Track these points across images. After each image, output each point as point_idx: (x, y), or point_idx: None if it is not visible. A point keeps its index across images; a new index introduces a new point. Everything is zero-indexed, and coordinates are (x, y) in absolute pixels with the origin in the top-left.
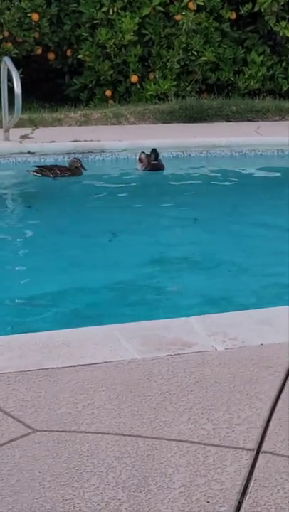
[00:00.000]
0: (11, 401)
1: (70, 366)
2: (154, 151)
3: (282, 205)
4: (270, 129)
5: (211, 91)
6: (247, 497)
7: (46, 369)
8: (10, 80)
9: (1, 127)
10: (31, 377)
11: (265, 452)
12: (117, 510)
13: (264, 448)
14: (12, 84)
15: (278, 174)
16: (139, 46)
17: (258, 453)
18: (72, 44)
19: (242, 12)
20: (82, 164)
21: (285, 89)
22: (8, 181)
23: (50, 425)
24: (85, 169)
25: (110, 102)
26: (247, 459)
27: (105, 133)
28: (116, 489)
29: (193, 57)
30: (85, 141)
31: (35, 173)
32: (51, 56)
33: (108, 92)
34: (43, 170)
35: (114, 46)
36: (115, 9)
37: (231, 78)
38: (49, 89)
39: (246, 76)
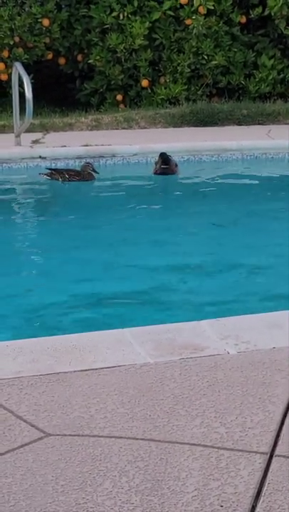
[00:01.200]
0: (23, 405)
1: (83, 370)
2: (161, 155)
3: None
4: (281, 132)
5: (221, 95)
6: (261, 501)
7: (58, 373)
8: (21, 85)
9: (13, 132)
10: (44, 382)
11: (278, 456)
12: None
13: (277, 451)
14: (23, 89)
15: None
16: (149, 50)
17: (271, 456)
18: (83, 49)
19: (252, 16)
20: (94, 168)
21: None
22: (19, 186)
23: (63, 429)
24: (97, 173)
25: (121, 106)
26: (260, 462)
27: (116, 137)
28: (129, 493)
29: (204, 61)
30: (96, 145)
31: (45, 176)
32: (62, 61)
33: (119, 97)
34: (54, 173)
35: (124, 51)
36: (125, 14)
37: (242, 82)
38: (60, 94)
39: (257, 79)
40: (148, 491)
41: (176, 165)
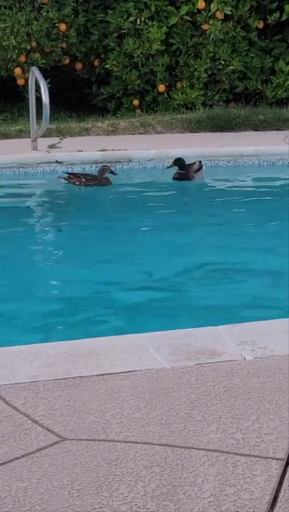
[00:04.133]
0: (39, 409)
1: (99, 375)
2: (176, 160)
3: None
4: None
5: (238, 100)
6: (277, 507)
7: (75, 378)
8: (38, 90)
9: (29, 137)
10: (60, 386)
11: None
12: None
13: None
14: (40, 94)
15: None
16: (166, 55)
17: (287, 463)
18: (100, 54)
19: (269, 21)
20: (112, 170)
21: None
22: (36, 190)
23: (79, 434)
24: (115, 174)
25: (138, 111)
26: (277, 468)
27: (133, 142)
28: (145, 498)
29: (221, 67)
30: (113, 150)
31: (63, 180)
32: (79, 66)
33: (135, 102)
34: (71, 178)
35: (141, 56)
36: (143, 19)
37: (259, 87)
38: (76, 98)
39: (274, 85)
40: (164, 496)
41: (198, 169)
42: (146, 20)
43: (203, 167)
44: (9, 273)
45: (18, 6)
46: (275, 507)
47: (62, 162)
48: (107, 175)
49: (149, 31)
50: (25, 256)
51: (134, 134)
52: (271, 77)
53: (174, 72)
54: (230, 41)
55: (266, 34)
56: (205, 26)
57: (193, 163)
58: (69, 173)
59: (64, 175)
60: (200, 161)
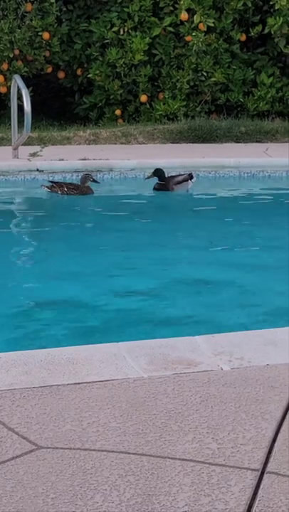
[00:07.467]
0: (15, 417)
1: (76, 383)
2: (155, 171)
3: None
4: (279, 151)
5: (220, 112)
6: None
7: (51, 386)
8: (20, 98)
9: (10, 145)
10: (36, 394)
11: (270, 473)
12: None
13: (269, 468)
14: (22, 102)
15: (287, 195)
16: (149, 66)
17: (262, 473)
18: (83, 63)
19: (252, 34)
20: (95, 178)
21: None
22: (16, 198)
23: (54, 442)
24: (97, 182)
25: (119, 121)
26: (252, 479)
27: (114, 152)
28: (119, 507)
29: (203, 78)
30: (94, 159)
31: (46, 189)
32: (61, 75)
33: (117, 112)
34: (54, 186)
35: (124, 66)
36: (126, 29)
37: (241, 99)
38: (59, 107)
39: (255, 97)
40: (138, 505)
41: (182, 181)
42: (130, 31)
43: (193, 179)
44: None
45: (1, 14)
46: None
47: (43, 170)
48: (89, 184)
49: (132, 42)
50: (2, 263)
51: (115, 143)
52: (253, 89)
53: (156, 83)
54: (213, 53)
55: (248, 47)
56: (188, 38)
57: (179, 175)
58: (52, 182)
59: (47, 184)
60: (190, 174)
